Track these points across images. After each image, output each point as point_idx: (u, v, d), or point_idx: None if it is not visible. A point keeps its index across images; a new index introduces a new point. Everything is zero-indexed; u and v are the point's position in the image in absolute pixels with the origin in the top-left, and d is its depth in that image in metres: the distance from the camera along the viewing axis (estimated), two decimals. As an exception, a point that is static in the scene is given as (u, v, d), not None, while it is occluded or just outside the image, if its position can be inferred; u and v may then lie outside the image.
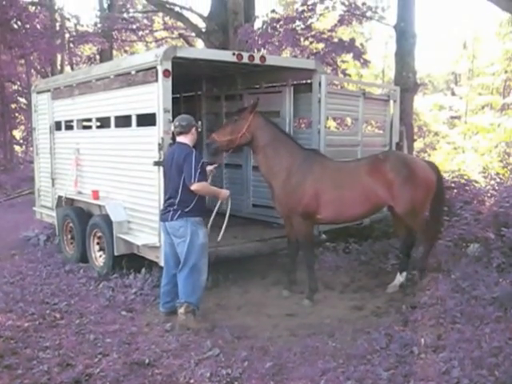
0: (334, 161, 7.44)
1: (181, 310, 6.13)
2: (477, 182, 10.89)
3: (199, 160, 6.05)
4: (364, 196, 6.99)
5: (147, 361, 5.19)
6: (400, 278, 7.47)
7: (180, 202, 6.09)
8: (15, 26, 21.28)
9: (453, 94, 28.43)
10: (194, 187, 5.98)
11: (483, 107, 25.43)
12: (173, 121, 6.48)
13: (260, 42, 13.86)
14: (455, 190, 10.30)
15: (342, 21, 14.81)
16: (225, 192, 6.55)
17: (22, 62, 23.30)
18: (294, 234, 7.31)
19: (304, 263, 7.30)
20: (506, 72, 25.48)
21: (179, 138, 6.29)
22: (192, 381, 4.84)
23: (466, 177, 11.07)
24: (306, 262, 7.24)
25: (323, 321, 6.33)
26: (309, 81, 8.55)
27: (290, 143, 7.25)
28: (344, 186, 7.05)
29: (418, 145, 20.71)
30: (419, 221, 7.23)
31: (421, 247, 7.68)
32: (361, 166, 7.19)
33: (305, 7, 13.93)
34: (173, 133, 6.56)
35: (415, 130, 17.23)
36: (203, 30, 16.66)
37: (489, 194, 10.05)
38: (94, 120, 8.70)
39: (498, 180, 10.55)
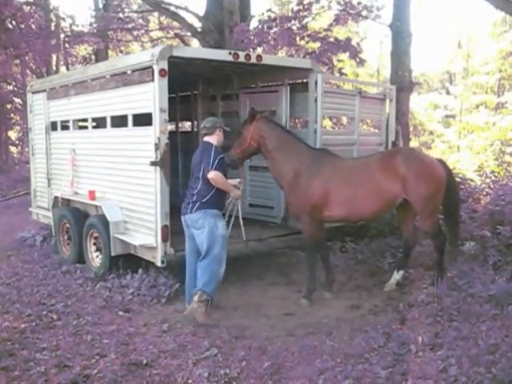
0: (345, 158, 7.48)
1: (195, 298, 6.23)
2: (472, 180, 10.92)
3: (218, 154, 6.32)
4: (376, 192, 6.96)
5: (145, 361, 5.18)
6: (396, 277, 7.48)
7: (198, 193, 6.33)
8: (10, 26, 21.23)
9: (448, 93, 28.51)
10: (210, 175, 6.20)
11: (478, 106, 25.49)
12: (170, 121, 6.57)
13: (256, 42, 13.86)
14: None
15: (337, 20, 14.82)
16: (237, 191, 6.71)
17: (17, 62, 23.22)
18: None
19: (301, 263, 7.30)
20: (500, 71, 25.55)
21: (205, 138, 6.59)
22: (190, 381, 4.84)
23: (461, 175, 11.09)
24: (308, 262, 7.28)
25: (321, 320, 6.33)
26: (305, 80, 8.57)
27: (298, 144, 7.27)
28: (355, 183, 7.05)
29: (413, 144, 20.76)
30: (433, 221, 7.18)
31: (435, 254, 7.48)
32: (372, 162, 7.18)
33: (300, 6, 13.95)
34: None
35: (410, 129, 17.24)
36: (199, 30, 16.65)
37: (484, 193, 10.08)
38: (90, 120, 8.68)
39: (494, 178, 10.58)
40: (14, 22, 21.14)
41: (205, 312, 6.18)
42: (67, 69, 24.13)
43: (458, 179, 10.70)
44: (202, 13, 16.60)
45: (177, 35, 22.02)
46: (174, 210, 7.18)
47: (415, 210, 7.16)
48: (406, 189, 6.92)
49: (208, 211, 6.32)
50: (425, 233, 7.55)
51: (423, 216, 7.20)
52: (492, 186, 9.91)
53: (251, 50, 13.72)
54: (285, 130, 7.54)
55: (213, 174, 6.21)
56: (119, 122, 7.87)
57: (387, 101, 9.71)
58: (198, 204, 6.32)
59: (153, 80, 6.82)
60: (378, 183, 6.95)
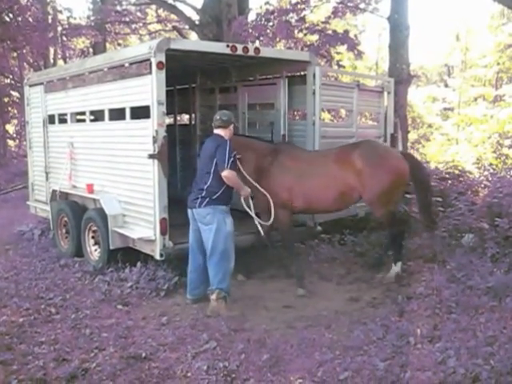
0: (306, 150, 7.75)
1: (213, 297, 6.30)
2: (471, 172, 10.94)
3: (232, 150, 6.29)
4: (332, 184, 7.09)
5: (144, 354, 5.18)
6: (396, 269, 7.46)
7: (208, 189, 6.30)
8: (7, 19, 21.09)
9: (446, 85, 28.49)
10: (225, 173, 6.20)
11: (476, 99, 25.47)
12: (168, 114, 6.53)
13: (254, 35, 13.82)
14: (449, 181, 10.33)
15: (335, 12, 14.81)
16: (246, 190, 6.66)
17: (15, 55, 23.12)
18: None
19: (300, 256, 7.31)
20: (498, 64, 25.53)
21: (217, 131, 6.53)
22: (189, 374, 4.84)
23: (459, 168, 11.11)
24: (287, 252, 7.48)
25: (320, 313, 6.33)
26: (303, 73, 8.54)
27: (254, 143, 7.44)
28: (313, 175, 7.18)
29: (411, 136, 20.77)
30: (386, 212, 7.28)
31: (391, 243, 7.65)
32: (330, 155, 7.34)
33: (298, -1, 13.92)
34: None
35: (409, 121, 17.25)
36: (197, 23, 16.61)
37: (482, 185, 10.09)
38: (87, 113, 8.65)
39: (492, 171, 10.60)
40: (10, 15, 21.00)
41: (226, 306, 6.32)
42: (65, 62, 24.00)
43: (456, 172, 10.74)
44: (199, 5, 16.57)
45: (175, 28, 21.95)
46: (173, 203, 7.17)
47: (371, 203, 7.28)
48: (362, 182, 7.02)
49: (217, 207, 6.32)
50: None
51: (375, 206, 7.29)
52: (490, 179, 9.92)
53: (249, 42, 13.69)
54: (237, 134, 7.40)
55: (227, 173, 6.21)
56: (117, 114, 7.84)
57: (385, 93, 9.70)
58: (207, 200, 6.30)
59: (150, 73, 6.79)
60: (334, 176, 7.09)
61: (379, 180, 7.00)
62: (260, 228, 7.05)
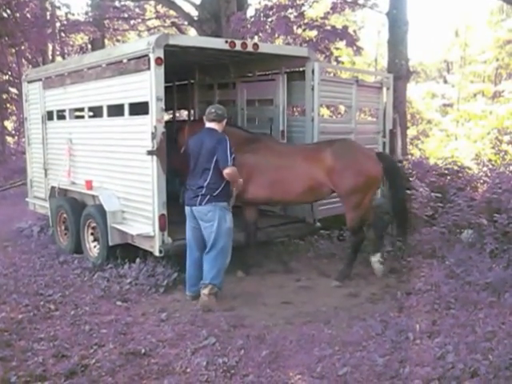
0: (282, 144, 7.98)
1: (204, 291, 6.34)
2: (470, 168, 10.95)
3: (231, 147, 6.26)
4: (300, 178, 7.16)
5: (143, 351, 5.18)
6: (374, 259, 7.53)
7: (209, 186, 6.25)
8: (5, 15, 21.02)
9: (445, 81, 28.48)
10: (227, 170, 6.18)
11: (475, 95, 25.46)
12: (166, 110, 6.49)
13: (253, 30, 13.80)
14: (448, 177, 10.33)
15: (334, 8, 14.78)
16: (241, 181, 6.60)
17: (13, 51, 23.06)
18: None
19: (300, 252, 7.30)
20: (497, 60, 25.51)
21: (210, 125, 6.47)
22: (188, 370, 4.84)
23: (458, 163, 11.11)
24: (247, 237, 7.57)
25: (319, 308, 6.34)
26: (302, 68, 8.53)
27: (233, 130, 7.46)
28: (282, 167, 7.26)
29: (411, 132, 20.76)
30: (354, 217, 7.24)
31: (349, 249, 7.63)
32: (303, 151, 7.49)
33: (297, -6, 13.89)
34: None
35: (408, 117, 17.23)
36: (196, 19, 16.58)
37: (481, 181, 10.10)
38: (86, 109, 8.63)
39: (491, 166, 10.60)
40: (8, 11, 20.93)
41: (217, 301, 6.38)
42: (63, 58, 23.95)
43: (455, 168, 10.74)
44: (198, 1, 16.55)
45: (173, 24, 21.89)
46: (172, 199, 7.17)
47: (341, 201, 7.37)
48: (332, 180, 7.07)
49: (218, 204, 6.31)
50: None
51: (346, 208, 7.31)
52: (489, 174, 9.93)
53: (248, 38, 13.67)
54: None
55: (230, 170, 6.19)
56: (115, 111, 7.83)
57: (384, 89, 9.69)
58: (208, 197, 6.26)
59: (149, 68, 6.78)
60: (302, 170, 7.16)
61: (349, 180, 7.02)
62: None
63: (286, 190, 7.26)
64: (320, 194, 7.40)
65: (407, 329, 5.41)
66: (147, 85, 6.86)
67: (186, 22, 19.35)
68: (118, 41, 25.17)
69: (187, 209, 6.48)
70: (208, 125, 6.47)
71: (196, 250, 6.54)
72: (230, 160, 6.17)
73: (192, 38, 11.45)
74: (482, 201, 8.61)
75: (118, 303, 6.54)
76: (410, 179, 9.90)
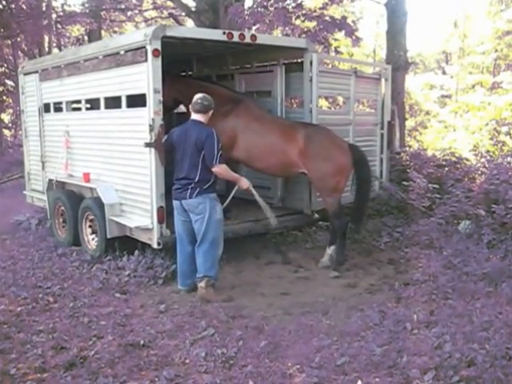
0: (264, 111, 8.17)
1: (201, 284, 6.35)
2: (468, 159, 10.94)
3: (219, 141, 6.19)
4: (274, 150, 7.43)
5: (142, 342, 5.19)
6: (329, 252, 7.65)
7: (198, 180, 6.21)
8: (0, 7, 20.94)
9: (443, 73, 28.39)
10: (216, 169, 6.18)
11: (474, 86, 25.40)
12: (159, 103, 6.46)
13: (251, 21, 13.74)
14: (446, 168, 10.34)
15: (333, -2, 14.72)
16: (244, 182, 6.57)
17: (9, 43, 22.97)
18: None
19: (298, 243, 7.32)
20: (496, 51, 25.42)
21: (196, 116, 6.37)
22: (187, 361, 4.85)
23: (457, 155, 11.11)
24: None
25: (317, 299, 6.36)
26: (300, 60, 8.50)
27: (219, 89, 7.93)
28: (261, 135, 7.56)
29: (409, 123, 20.75)
30: (331, 201, 7.42)
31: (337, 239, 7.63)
32: (283, 123, 7.80)
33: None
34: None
35: (406, 108, 17.21)
36: (193, 10, 16.49)
37: (479, 172, 10.09)
38: (83, 101, 8.61)
39: (489, 158, 10.59)
40: (4, 2, 20.82)
41: (214, 292, 6.40)
42: (60, 50, 23.84)
43: (453, 159, 10.74)
44: (196, -8, 16.44)
45: (171, 15, 21.77)
46: (170, 192, 7.17)
47: (313, 186, 7.66)
48: (304, 163, 7.30)
49: (208, 195, 6.27)
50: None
51: (322, 194, 7.61)
52: (487, 166, 9.93)
53: (246, 29, 13.62)
54: (199, 79, 8.11)
55: (218, 169, 6.20)
56: (113, 103, 7.81)
57: (383, 80, 9.68)
58: (198, 190, 6.22)
59: (146, 60, 6.76)
60: (278, 143, 7.42)
61: (320, 163, 7.27)
62: (272, 218, 7.06)
63: (260, 157, 7.56)
64: (290, 171, 7.64)
65: (405, 319, 5.43)
66: (144, 77, 6.84)
67: (183, 13, 19.24)
68: (114, 32, 25.07)
69: (176, 203, 6.42)
70: (194, 116, 6.38)
71: (188, 245, 6.51)
72: (218, 157, 6.12)
73: (189, 29, 11.40)
74: (479, 192, 8.62)
75: (117, 295, 6.56)
76: (408, 170, 9.92)
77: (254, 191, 6.71)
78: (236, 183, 6.70)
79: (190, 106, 6.43)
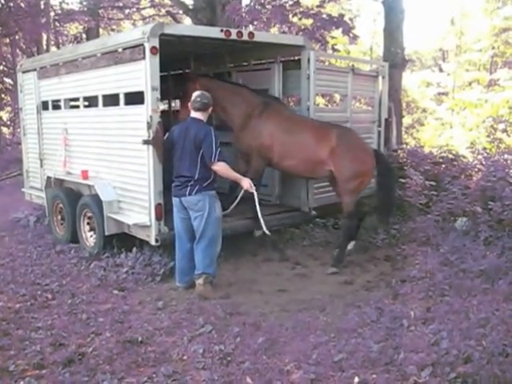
0: (292, 111, 8.32)
1: (199, 281, 6.36)
2: (464, 157, 10.96)
3: (218, 139, 6.18)
4: (306, 149, 7.49)
5: (140, 339, 5.21)
6: (348, 247, 7.71)
7: (198, 178, 6.22)
8: (-2, 5, 20.91)
9: (440, 70, 28.42)
10: (215, 167, 6.18)
11: (470, 83, 25.44)
12: (162, 100, 6.45)
13: (248, 19, 13.75)
14: (443, 165, 10.36)
15: (330, -4, 14.72)
16: (246, 182, 6.52)
17: (7, 41, 22.93)
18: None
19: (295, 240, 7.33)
20: (492, 48, 25.46)
21: (195, 114, 6.38)
22: (185, 357, 4.87)
23: (453, 152, 11.13)
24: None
25: (314, 296, 6.39)
26: (297, 57, 8.52)
27: (246, 92, 7.95)
28: (293, 134, 7.63)
29: (406, 121, 20.76)
30: (350, 202, 7.49)
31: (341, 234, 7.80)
32: (312, 123, 7.81)
33: (293, -17, 13.82)
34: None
35: (403, 106, 17.25)
36: (191, 8, 16.47)
37: (476, 169, 10.12)
38: (81, 99, 8.62)
39: (485, 155, 10.61)
40: (2, 1, 20.79)
41: (212, 289, 6.41)
42: (58, 48, 23.80)
43: (450, 156, 10.77)
44: (193, -10, 16.42)
45: (168, 13, 21.74)
46: (168, 189, 7.19)
47: (339, 185, 7.58)
48: (333, 161, 7.36)
49: (207, 193, 6.29)
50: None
51: (342, 193, 7.59)
52: (484, 163, 9.95)
53: (243, 27, 13.62)
54: (227, 81, 8.10)
55: (217, 166, 6.19)
56: (111, 100, 7.82)
57: (380, 78, 9.69)
58: (197, 187, 6.24)
59: (144, 58, 6.77)
60: (310, 142, 7.49)
61: (348, 163, 7.35)
62: (264, 227, 6.89)
63: (293, 157, 7.58)
64: (319, 171, 7.60)
65: (402, 316, 5.45)
66: (142, 74, 6.85)
67: (181, 11, 19.21)
68: (112, 30, 25.04)
69: (175, 200, 6.44)
70: (193, 114, 6.40)
71: (187, 242, 6.54)
72: (216, 156, 6.11)
73: (187, 27, 11.40)
74: (476, 189, 8.65)
75: (115, 292, 6.58)
76: (405, 168, 9.94)
77: (255, 193, 6.64)
78: (238, 183, 6.68)
79: (190, 104, 6.43)
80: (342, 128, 7.91)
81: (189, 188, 6.26)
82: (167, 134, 6.71)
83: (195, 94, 6.44)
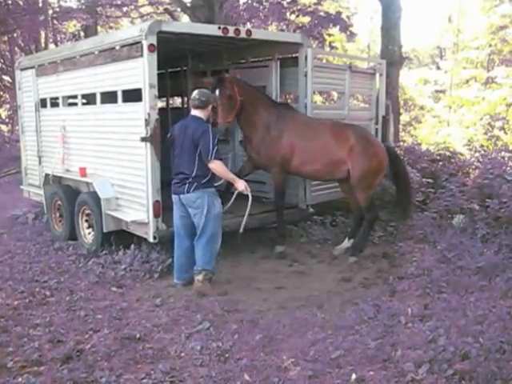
0: (304, 115, 8.17)
1: (198, 277, 6.38)
2: (462, 154, 11.01)
3: (215, 137, 6.17)
4: (326, 150, 7.53)
5: (138, 335, 5.22)
6: (347, 244, 7.91)
7: (195, 176, 6.21)
8: (-4, 3, 20.88)
9: (438, 68, 28.41)
10: (211, 165, 6.15)
11: (468, 81, 25.44)
12: (160, 97, 6.46)
13: (246, 17, 13.76)
14: (440, 163, 10.39)
15: (327, -7, 14.73)
16: (241, 183, 6.43)
17: (5, 39, 22.90)
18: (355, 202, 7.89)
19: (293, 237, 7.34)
20: (490, 46, 25.45)
21: (195, 112, 6.37)
22: (183, 354, 4.88)
23: (451, 149, 11.16)
24: (277, 213, 7.89)
25: (312, 293, 6.40)
26: (295, 55, 8.52)
27: (266, 99, 7.91)
28: (312, 138, 7.61)
29: (403, 118, 20.80)
30: (366, 197, 7.61)
31: (362, 228, 7.87)
32: (328, 124, 7.80)
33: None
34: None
35: (401, 103, 17.25)
36: (188, 5, 16.48)
37: (473, 166, 10.16)
38: (79, 97, 8.62)
39: (483, 152, 10.66)
40: (0, -2, 20.80)
41: (211, 286, 6.41)
42: (56, 46, 23.78)
43: (448, 153, 10.80)
44: (191, -12, 16.42)
45: (166, 10, 21.76)
46: (166, 186, 7.20)
47: (355, 182, 7.60)
48: (351, 160, 7.44)
49: (206, 190, 6.28)
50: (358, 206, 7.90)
51: (358, 190, 7.63)
52: (481, 160, 9.99)
53: (241, 25, 13.63)
54: (252, 86, 7.93)
55: (213, 164, 6.15)
56: (109, 98, 7.82)
57: (377, 75, 9.71)
58: (195, 184, 6.23)
59: (142, 55, 6.77)
60: (330, 144, 7.52)
61: (365, 160, 7.43)
62: (243, 225, 6.77)
63: (314, 161, 7.60)
64: (338, 171, 7.65)
65: (399, 313, 5.47)
66: (140, 72, 6.86)
67: (178, 9, 19.23)
68: (110, 28, 25.02)
69: (174, 197, 6.45)
70: (193, 112, 6.39)
71: (186, 239, 6.55)
72: (213, 153, 6.09)
73: (185, 24, 11.38)
74: (473, 186, 8.69)
75: (113, 289, 6.59)
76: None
77: (250, 195, 6.54)
78: (233, 183, 6.58)
79: (190, 102, 6.47)
80: (356, 126, 7.98)
81: (187, 185, 6.26)
82: (170, 131, 6.70)
83: (194, 92, 6.44)
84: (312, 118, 8.16)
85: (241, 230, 6.80)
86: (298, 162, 7.66)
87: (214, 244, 6.42)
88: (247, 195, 6.56)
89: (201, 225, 6.29)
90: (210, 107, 6.46)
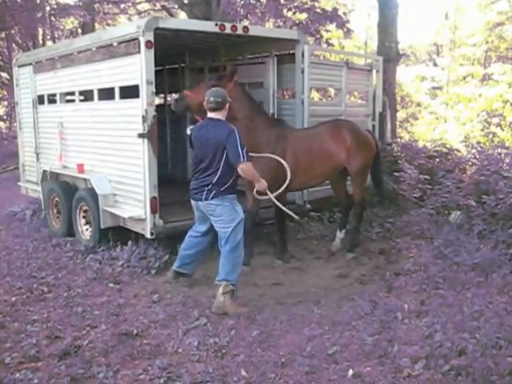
0: (298, 129, 8.01)
1: (219, 290, 5.81)
2: (458, 150, 11.01)
3: (241, 138, 5.77)
4: (327, 155, 7.49)
5: (135, 331, 5.23)
6: (340, 235, 8.01)
7: (218, 182, 5.82)
8: (-7, -1, 20.83)
9: (435, 64, 28.40)
10: (242, 166, 5.70)
11: (465, 78, 25.45)
12: (157, 94, 6.43)
13: (243, 13, 13.75)
14: (437, 159, 10.40)
15: (325, -10, 14.72)
16: (263, 183, 6.05)
17: (3, 35, 22.84)
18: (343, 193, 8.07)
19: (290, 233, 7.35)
20: (486, 42, 25.46)
21: (212, 114, 5.92)
22: (180, 350, 4.89)
23: (448, 146, 11.17)
24: (278, 227, 7.75)
25: (309, 289, 6.42)
26: (292, 51, 8.52)
27: (265, 116, 7.58)
28: (311, 146, 7.46)
29: (400, 115, 20.80)
30: (360, 192, 7.80)
31: (354, 223, 8.07)
32: (323, 132, 7.60)
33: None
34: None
35: (398, 100, 17.27)
36: (186, 2, 16.46)
37: (470, 163, 10.17)
38: (77, 93, 8.62)
39: (479, 149, 10.66)
40: (-2, -5, 20.74)
41: (232, 302, 5.82)
42: (54, 42, 23.71)
43: (444, 150, 10.81)
44: (188, -16, 16.40)
45: (164, 7, 21.71)
46: (163, 182, 7.22)
47: (352, 178, 7.76)
48: (349, 158, 7.49)
49: (226, 197, 5.89)
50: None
51: (356, 184, 7.78)
52: (478, 157, 10.00)
53: (238, 21, 13.62)
54: (254, 100, 7.52)
55: (245, 166, 5.70)
56: (106, 94, 7.83)
57: (374, 72, 9.71)
58: (214, 192, 5.82)
59: (139, 52, 6.77)
60: (331, 151, 7.47)
61: (361, 157, 7.57)
62: (293, 214, 6.40)
63: (316, 167, 7.49)
64: (336, 172, 7.71)
65: (396, 309, 5.49)
66: (137, 68, 6.86)
67: (176, 6, 19.20)
68: (108, 25, 24.92)
69: (193, 203, 6.16)
70: (210, 115, 5.93)
71: (197, 233, 6.35)
72: (244, 155, 5.68)
73: (182, 21, 11.38)
74: (470, 183, 8.70)
75: (111, 285, 6.59)
76: (399, 161, 9.98)
77: (270, 194, 6.24)
78: (255, 184, 6.15)
79: (205, 105, 5.96)
80: (346, 122, 7.99)
81: (205, 193, 5.88)
82: (190, 132, 6.32)
83: (208, 94, 5.93)
84: (304, 129, 8.03)
85: (295, 216, 6.43)
86: (301, 174, 7.26)
87: (237, 253, 5.94)
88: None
89: (223, 233, 5.92)
90: (227, 106, 5.98)
